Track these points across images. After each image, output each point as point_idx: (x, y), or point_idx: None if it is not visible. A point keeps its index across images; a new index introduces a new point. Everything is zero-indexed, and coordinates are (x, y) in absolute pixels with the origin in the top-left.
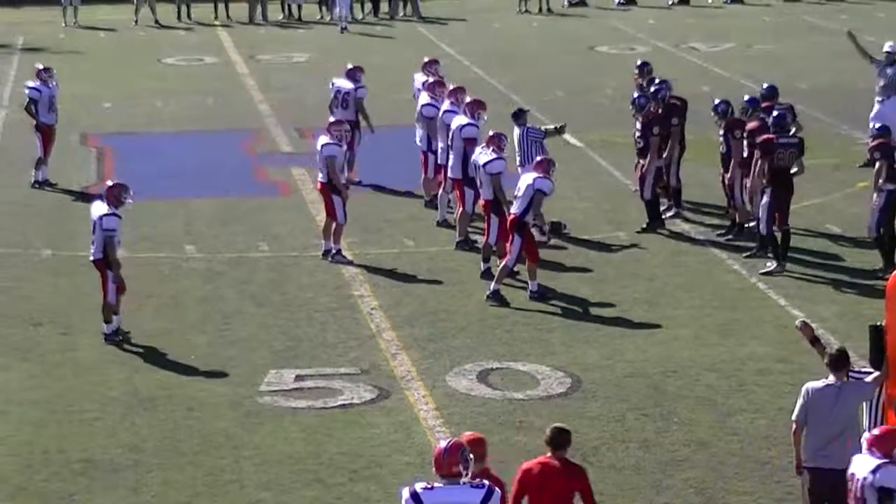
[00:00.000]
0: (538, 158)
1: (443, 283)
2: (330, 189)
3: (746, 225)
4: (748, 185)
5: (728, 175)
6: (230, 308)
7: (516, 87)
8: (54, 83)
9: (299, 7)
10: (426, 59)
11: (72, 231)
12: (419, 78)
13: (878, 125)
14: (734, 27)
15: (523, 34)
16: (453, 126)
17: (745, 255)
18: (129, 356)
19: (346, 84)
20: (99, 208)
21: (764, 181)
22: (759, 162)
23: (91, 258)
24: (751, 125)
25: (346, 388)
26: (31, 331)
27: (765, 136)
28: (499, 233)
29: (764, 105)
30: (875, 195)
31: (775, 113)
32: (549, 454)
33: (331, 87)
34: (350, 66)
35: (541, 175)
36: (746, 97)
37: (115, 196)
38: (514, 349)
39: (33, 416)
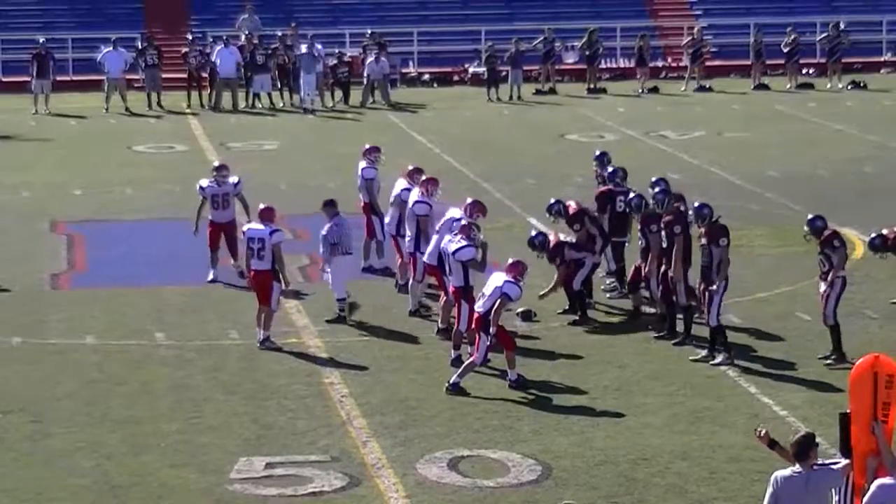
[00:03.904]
0: (512, 261)
1: (413, 371)
2: (272, 276)
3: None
4: (671, 274)
5: (646, 267)
6: (200, 396)
7: (487, 175)
8: None
9: (270, 95)
10: (367, 146)
11: (41, 319)
12: (361, 164)
13: (811, 217)
14: (704, 115)
15: (493, 122)
16: (410, 203)
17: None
18: (99, 444)
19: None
20: None
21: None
22: (719, 252)
23: None
24: (667, 217)
25: (317, 475)
26: (0, 419)
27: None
28: (469, 319)
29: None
30: (826, 285)
31: (697, 204)
32: None
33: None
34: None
35: (511, 279)
36: (657, 189)
37: None
38: (484, 437)
39: None
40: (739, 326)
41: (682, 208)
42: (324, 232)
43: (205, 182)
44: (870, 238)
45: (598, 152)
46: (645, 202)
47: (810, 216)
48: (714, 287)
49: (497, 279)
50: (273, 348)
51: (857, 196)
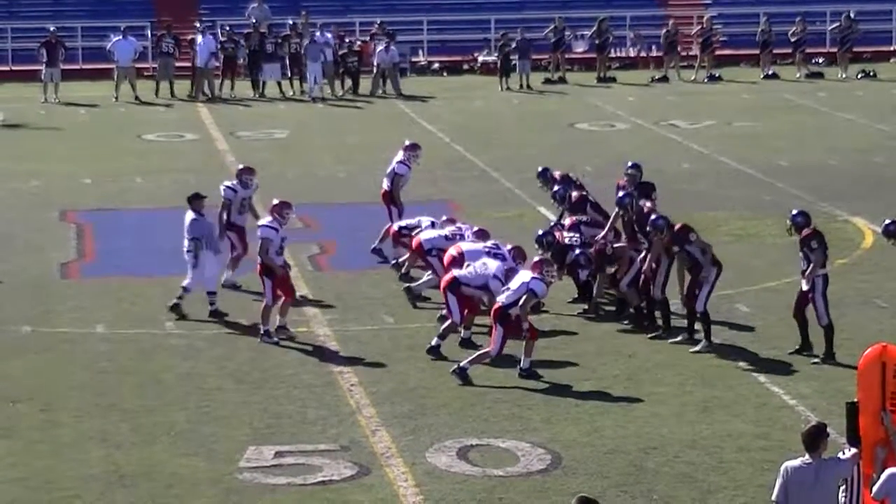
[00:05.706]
0: (536, 258)
1: (423, 360)
2: (264, 272)
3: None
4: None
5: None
6: (210, 385)
7: (496, 164)
8: None
9: (279, 83)
10: (408, 143)
11: (51, 308)
12: (398, 157)
13: (794, 212)
14: (714, 105)
15: (503, 111)
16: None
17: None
18: (109, 433)
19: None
20: None
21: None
22: (695, 249)
23: None
24: (648, 207)
25: (326, 464)
26: (9, 408)
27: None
28: (460, 309)
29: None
30: (807, 284)
31: (652, 217)
32: None
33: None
34: (242, 165)
35: (537, 276)
36: (621, 193)
37: None
38: (493, 426)
39: (12, 494)
40: (748, 315)
41: (649, 205)
42: (187, 224)
43: (229, 183)
44: (885, 224)
45: (540, 168)
46: (569, 195)
47: (794, 211)
48: (704, 276)
49: (524, 276)
50: (285, 337)
51: (866, 186)
